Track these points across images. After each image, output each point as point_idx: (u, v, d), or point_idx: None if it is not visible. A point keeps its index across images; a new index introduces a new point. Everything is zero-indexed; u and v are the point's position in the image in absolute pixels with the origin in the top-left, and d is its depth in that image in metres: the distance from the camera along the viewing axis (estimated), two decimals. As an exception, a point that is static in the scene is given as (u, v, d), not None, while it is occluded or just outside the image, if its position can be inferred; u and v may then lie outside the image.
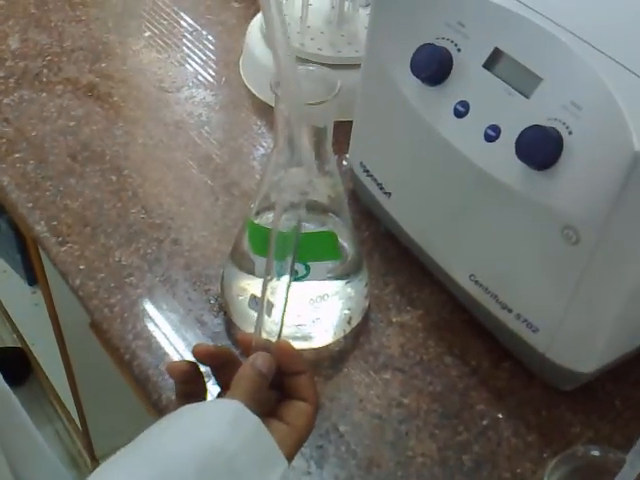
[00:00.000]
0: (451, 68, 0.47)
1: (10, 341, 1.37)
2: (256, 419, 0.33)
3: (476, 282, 0.50)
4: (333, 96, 0.43)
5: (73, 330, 0.89)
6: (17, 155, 0.64)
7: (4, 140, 0.65)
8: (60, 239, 0.58)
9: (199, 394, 0.38)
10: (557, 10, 0.44)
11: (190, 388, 0.38)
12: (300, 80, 0.36)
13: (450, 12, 0.47)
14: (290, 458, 0.34)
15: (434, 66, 0.47)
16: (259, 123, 0.70)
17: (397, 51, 0.50)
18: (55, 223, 0.59)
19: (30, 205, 0.60)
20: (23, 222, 0.60)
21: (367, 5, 0.72)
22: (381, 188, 0.57)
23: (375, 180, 0.58)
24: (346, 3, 0.71)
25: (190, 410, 0.34)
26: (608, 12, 0.46)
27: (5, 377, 0.51)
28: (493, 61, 0.46)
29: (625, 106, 0.39)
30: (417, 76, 0.48)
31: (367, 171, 0.58)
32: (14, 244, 1.25)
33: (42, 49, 0.76)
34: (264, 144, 0.68)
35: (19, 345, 1.34)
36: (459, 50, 0.47)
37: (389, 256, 0.58)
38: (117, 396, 0.81)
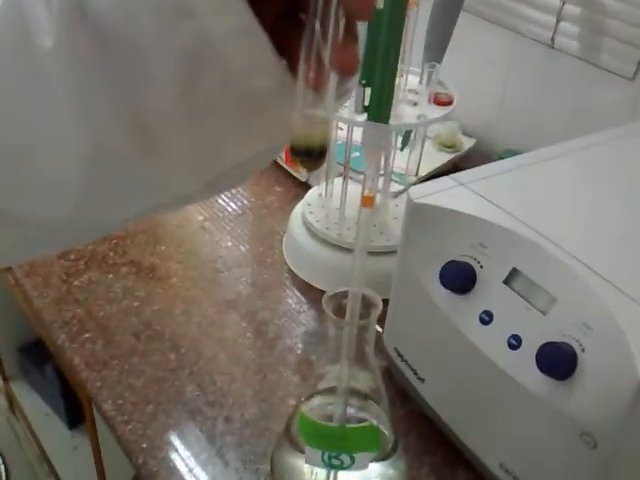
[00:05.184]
0: (475, 281, 0.55)
1: (46, 484, 1.41)
2: None
3: (506, 470, 0.55)
4: (375, 315, 0.50)
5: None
6: (87, 335, 0.72)
7: (75, 321, 0.74)
8: (125, 417, 0.64)
9: None
10: (566, 239, 0.52)
11: None
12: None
13: (472, 235, 0.55)
14: None
15: (459, 281, 0.55)
16: (300, 300, 0.78)
17: (427, 265, 0.58)
18: (121, 402, 0.66)
19: (99, 384, 0.67)
20: (92, 400, 0.67)
21: (396, 196, 0.82)
22: (415, 373, 0.63)
23: (410, 366, 0.64)
24: (377, 195, 0.80)
25: None
26: (617, 246, 0.53)
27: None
28: (512, 279, 0.53)
29: (632, 337, 0.45)
30: (445, 287, 0.56)
31: (401, 356, 0.65)
32: (58, 389, 1.31)
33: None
34: (303, 321, 0.75)
35: (55, 488, 1.37)
36: (481, 267, 0.55)
37: (425, 435, 0.64)
38: None
